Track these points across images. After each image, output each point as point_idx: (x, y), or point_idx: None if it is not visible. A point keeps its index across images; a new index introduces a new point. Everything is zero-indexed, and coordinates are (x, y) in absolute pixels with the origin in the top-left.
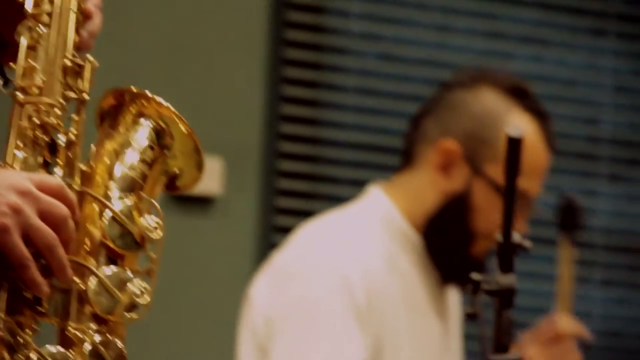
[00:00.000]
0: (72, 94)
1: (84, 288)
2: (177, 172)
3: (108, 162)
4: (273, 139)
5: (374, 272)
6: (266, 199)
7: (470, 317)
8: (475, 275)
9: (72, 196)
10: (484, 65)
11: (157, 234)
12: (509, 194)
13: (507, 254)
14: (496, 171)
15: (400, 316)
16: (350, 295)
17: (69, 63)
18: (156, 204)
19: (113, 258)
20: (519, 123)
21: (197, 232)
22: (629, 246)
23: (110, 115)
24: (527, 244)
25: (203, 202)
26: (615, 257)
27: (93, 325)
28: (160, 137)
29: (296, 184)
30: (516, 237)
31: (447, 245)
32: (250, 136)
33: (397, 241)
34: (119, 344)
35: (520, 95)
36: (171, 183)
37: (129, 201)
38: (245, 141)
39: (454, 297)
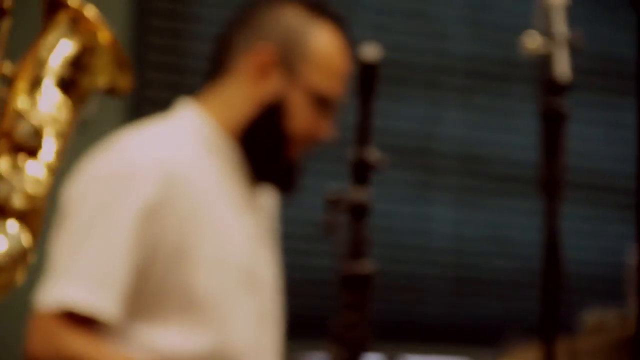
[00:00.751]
0: None
1: None
2: (105, 82)
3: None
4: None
5: (176, 169)
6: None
7: (326, 229)
8: (331, 193)
9: None
10: None
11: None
12: (365, 115)
13: (361, 170)
14: (309, 75)
15: (207, 210)
16: (139, 196)
17: None
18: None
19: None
20: (322, 31)
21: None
22: (479, 170)
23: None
24: (381, 161)
25: None
26: (464, 180)
27: None
28: (83, 53)
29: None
30: (371, 154)
31: (264, 149)
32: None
33: (207, 144)
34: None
35: (320, 7)
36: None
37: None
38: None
39: (268, 198)
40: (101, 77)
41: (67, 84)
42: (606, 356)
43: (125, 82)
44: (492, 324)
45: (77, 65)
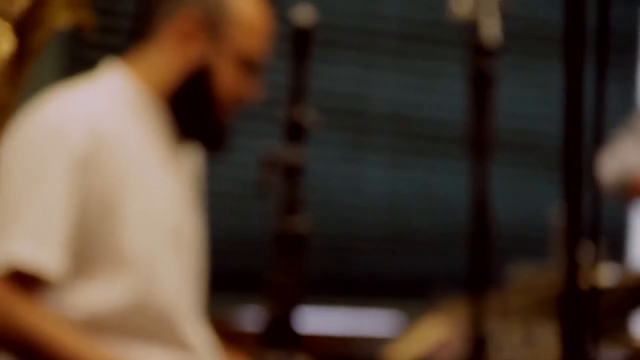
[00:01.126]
0: None
1: None
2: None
3: None
4: None
5: (105, 125)
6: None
7: (260, 188)
8: (265, 153)
9: None
10: None
11: None
12: (299, 76)
13: (295, 130)
14: (233, 38)
15: (136, 168)
16: (70, 149)
17: None
18: None
19: None
20: None
21: None
22: (411, 131)
23: None
24: (315, 121)
25: None
26: (396, 141)
27: None
28: None
29: None
30: (305, 115)
31: (192, 111)
32: None
33: (133, 105)
34: None
35: None
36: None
37: None
38: None
39: (194, 159)
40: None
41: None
42: (533, 313)
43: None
44: (423, 279)
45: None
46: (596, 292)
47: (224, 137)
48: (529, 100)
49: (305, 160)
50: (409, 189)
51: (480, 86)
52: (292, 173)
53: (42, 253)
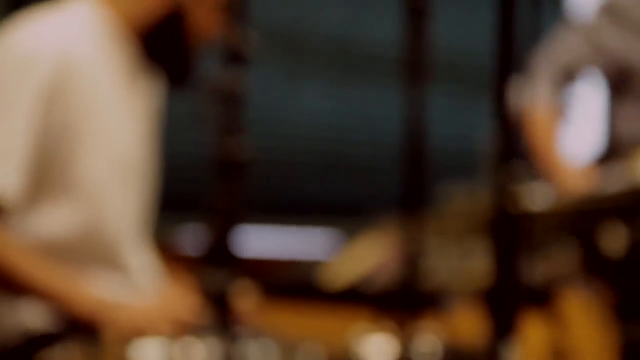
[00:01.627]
0: None
1: None
2: None
3: None
4: None
5: (72, 54)
6: None
7: (199, 115)
8: (205, 80)
9: None
10: None
11: None
12: (237, 3)
13: (235, 56)
14: None
15: (99, 98)
16: (37, 76)
17: None
18: None
19: None
20: None
21: None
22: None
23: None
24: (254, 46)
25: None
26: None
27: None
28: None
29: None
30: (244, 41)
31: (164, 49)
32: None
33: (102, 35)
34: None
35: None
36: None
37: None
38: None
39: (156, 90)
40: None
41: None
42: (468, 234)
43: None
44: (361, 201)
45: None
46: (527, 215)
47: (190, 73)
48: (464, 21)
49: (244, 87)
50: (346, 112)
51: (416, 11)
52: (230, 100)
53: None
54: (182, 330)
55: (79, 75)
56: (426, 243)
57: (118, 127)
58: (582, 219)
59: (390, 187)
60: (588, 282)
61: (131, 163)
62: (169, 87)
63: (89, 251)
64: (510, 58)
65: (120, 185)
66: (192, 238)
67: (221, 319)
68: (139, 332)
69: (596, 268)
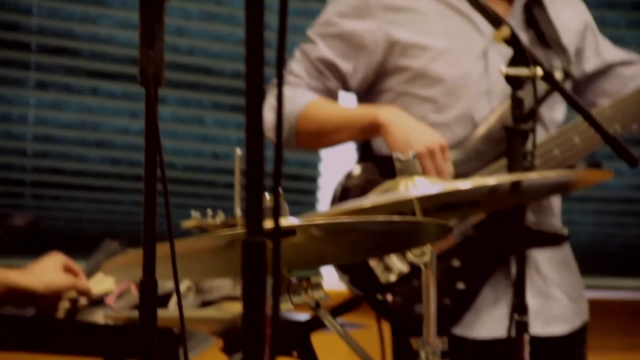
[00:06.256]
0: None
1: None
2: None
3: None
4: None
5: None
6: None
7: None
8: None
9: None
10: None
11: None
12: None
13: None
14: None
15: None
16: None
17: None
18: None
19: None
20: None
21: None
22: (63, 47)
23: None
24: None
25: None
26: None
27: None
28: None
29: None
30: None
31: None
32: None
33: None
34: None
35: None
36: None
37: None
38: None
39: None
40: None
41: None
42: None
43: None
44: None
45: None
46: (278, 240)
47: None
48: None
49: None
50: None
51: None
52: None
53: None
54: None
55: None
56: (160, 270)
57: None
58: None
59: (125, 209)
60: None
61: None
62: None
63: None
64: (260, 77)
65: None
66: None
67: None
68: None
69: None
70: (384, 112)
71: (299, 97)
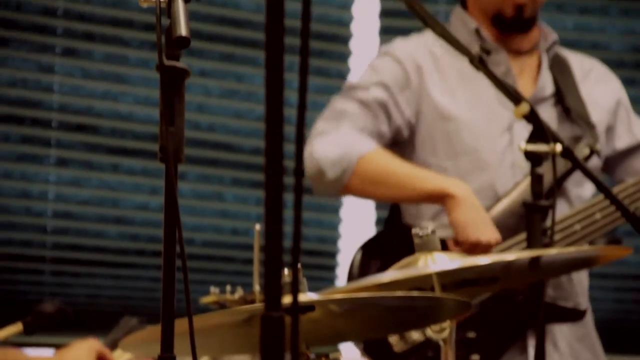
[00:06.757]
0: None
1: None
2: None
3: None
4: None
5: None
6: None
7: None
8: None
9: None
10: None
11: None
12: None
13: None
14: None
15: None
16: None
17: None
18: None
19: None
20: None
21: None
22: (84, 124)
23: None
24: None
25: None
26: (69, 135)
27: None
28: None
29: None
30: None
31: None
32: None
33: None
34: None
35: None
36: None
37: None
38: None
39: None
40: None
41: None
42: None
43: None
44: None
45: None
46: (297, 316)
47: None
48: (231, 111)
49: None
50: (84, 191)
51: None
52: None
53: None
54: None
55: None
56: (181, 345)
57: None
58: None
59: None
60: None
61: None
62: None
63: None
64: (279, 147)
65: None
66: None
67: None
68: None
69: None
70: (457, 186)
71: (364, 141)
